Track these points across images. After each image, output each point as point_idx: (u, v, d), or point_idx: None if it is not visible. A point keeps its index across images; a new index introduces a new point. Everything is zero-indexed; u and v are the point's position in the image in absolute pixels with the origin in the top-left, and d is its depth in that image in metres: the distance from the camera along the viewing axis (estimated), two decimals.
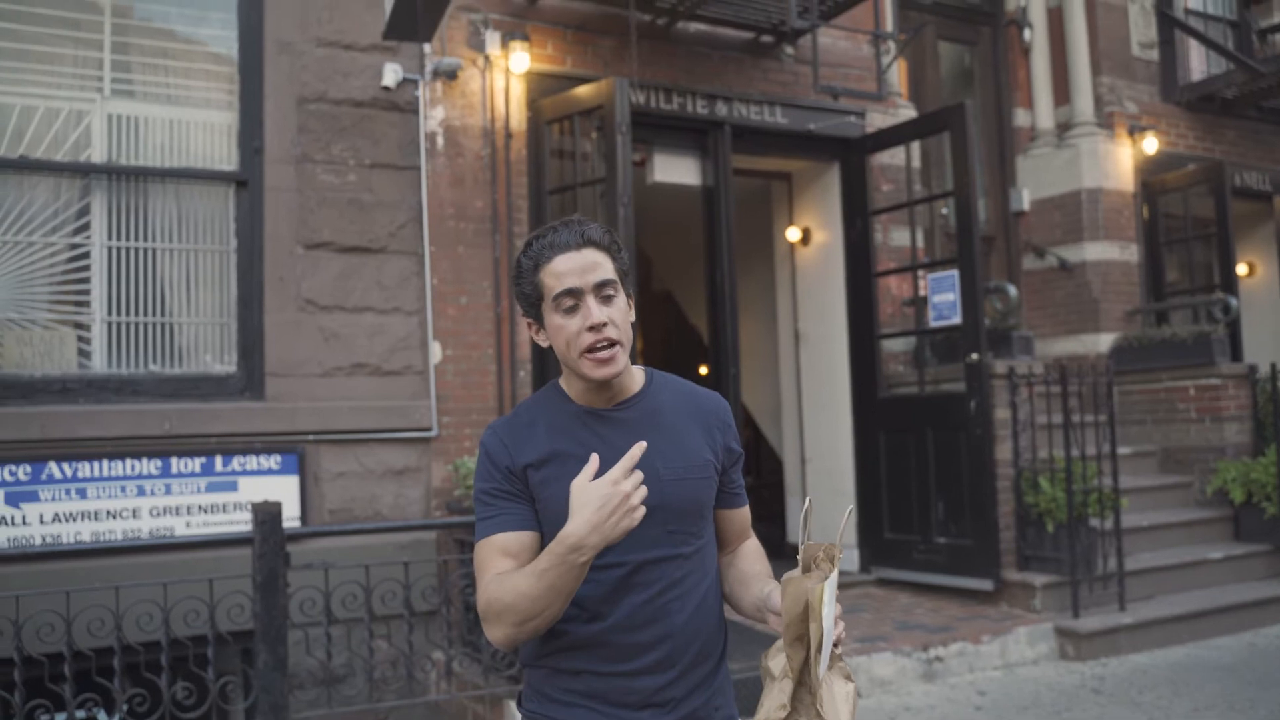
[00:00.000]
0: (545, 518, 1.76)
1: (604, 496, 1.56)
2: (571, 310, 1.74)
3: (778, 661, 1.68)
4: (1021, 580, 6.07)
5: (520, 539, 1.74)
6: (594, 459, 1.61)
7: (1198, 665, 5.56)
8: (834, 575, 1.62)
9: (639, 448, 1.60)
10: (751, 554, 1.93)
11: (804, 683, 1.65)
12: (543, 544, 1.77)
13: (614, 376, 1.76)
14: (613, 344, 1.74)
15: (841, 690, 1.67)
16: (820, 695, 1.64)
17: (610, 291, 1.76)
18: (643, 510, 1.58)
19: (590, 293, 1.74)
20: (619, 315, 1.76)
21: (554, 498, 1.74)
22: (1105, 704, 4.93)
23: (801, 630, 1.61)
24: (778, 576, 1.75)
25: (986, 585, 6.15)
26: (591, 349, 1.73)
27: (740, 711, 1.93)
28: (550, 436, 1.79)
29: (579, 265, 1.74)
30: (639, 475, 1.59)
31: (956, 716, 4.80)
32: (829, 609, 1.60)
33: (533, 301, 1.79)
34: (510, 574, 1.68)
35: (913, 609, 6.20)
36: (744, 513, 1.95)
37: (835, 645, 1.68)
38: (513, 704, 4.47)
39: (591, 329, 1.72)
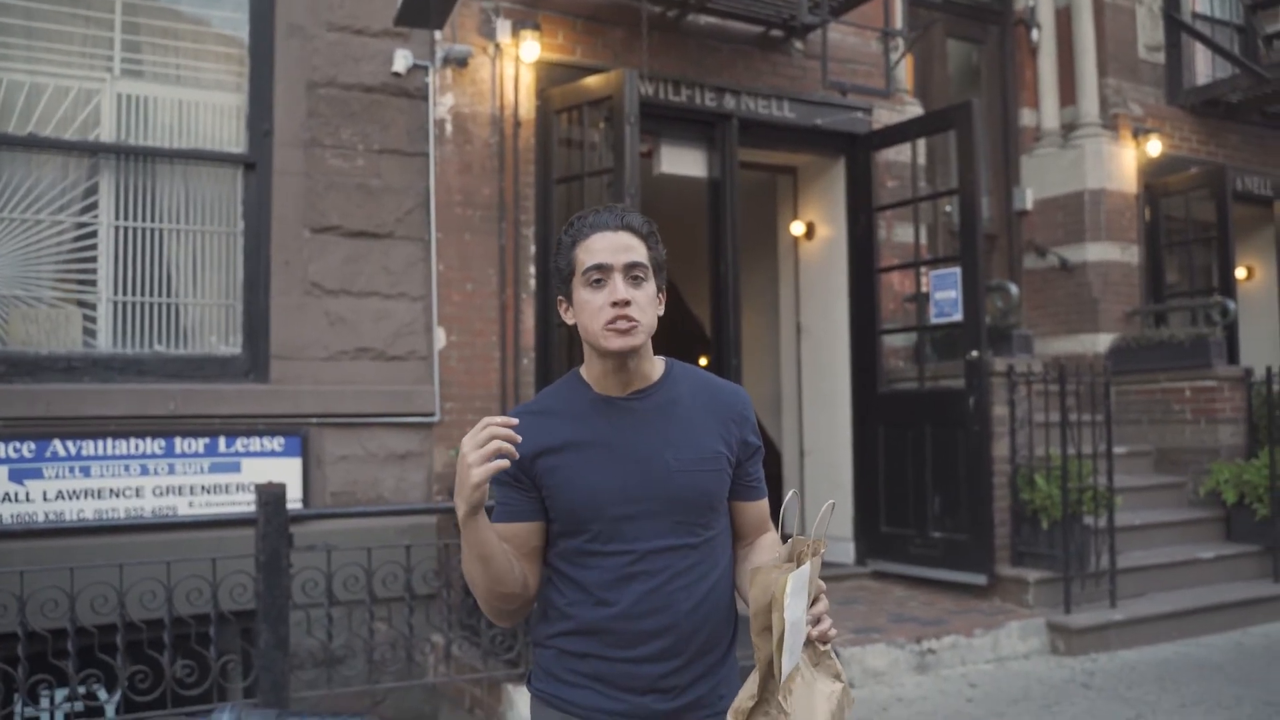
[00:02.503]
0: (553, 504, 1.80)
1: (461, 453, 1.62)
2: (598, 284, 1.77)
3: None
4: (1015, 575, 6.12)
5: (514, 529, 1.80)
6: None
7: (1186, 662, 5.62)
8: (805, 569, 1.61)
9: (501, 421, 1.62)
10: (767, 546, 1.94)
11: (773, 674, 1.65)
12: (549, 530, 1.83)
13: (631, 349, 1.77)
14: (632, 320, 1.76)
15: (825, 689, 1.66)
16: (787, 689, 1.63)
17: (640, 274, 1.79)
18: (482, 469, 1.59)
19: (619, 271, 1.77)
20: (644, 299, 1.78)
21: (562, 484, 1.78)
22: (1094, 699, 4.99)
23: (768, 621, 1.61)
24: None
25: (980, 580, 6.20)
26: (612, 320, 1.75)
27: None
28: (565, 424, 1.82)
29: (613, 245, 1.78)
30: (486, 434, 1.60)
31: (948, 708, 4.85)
32: (794, 600, 1.59)
33: (565, 277, 1.82)
34: None
35: (907, 602, 6.25)
36: (761, 505, 1.96)
37: (824, 643, 1.68)
38: (510, 687, 4.52)
39: (615, 304, 1.75)
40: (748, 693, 1.65)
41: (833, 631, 1.71)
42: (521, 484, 1.80)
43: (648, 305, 1.79)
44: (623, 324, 1.75)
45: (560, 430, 1.81)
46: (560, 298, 1.86)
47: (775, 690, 1.63)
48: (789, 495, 1.74)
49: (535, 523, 1.82)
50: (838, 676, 1.70)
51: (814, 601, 1.68)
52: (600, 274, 1.77)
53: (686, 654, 1.78)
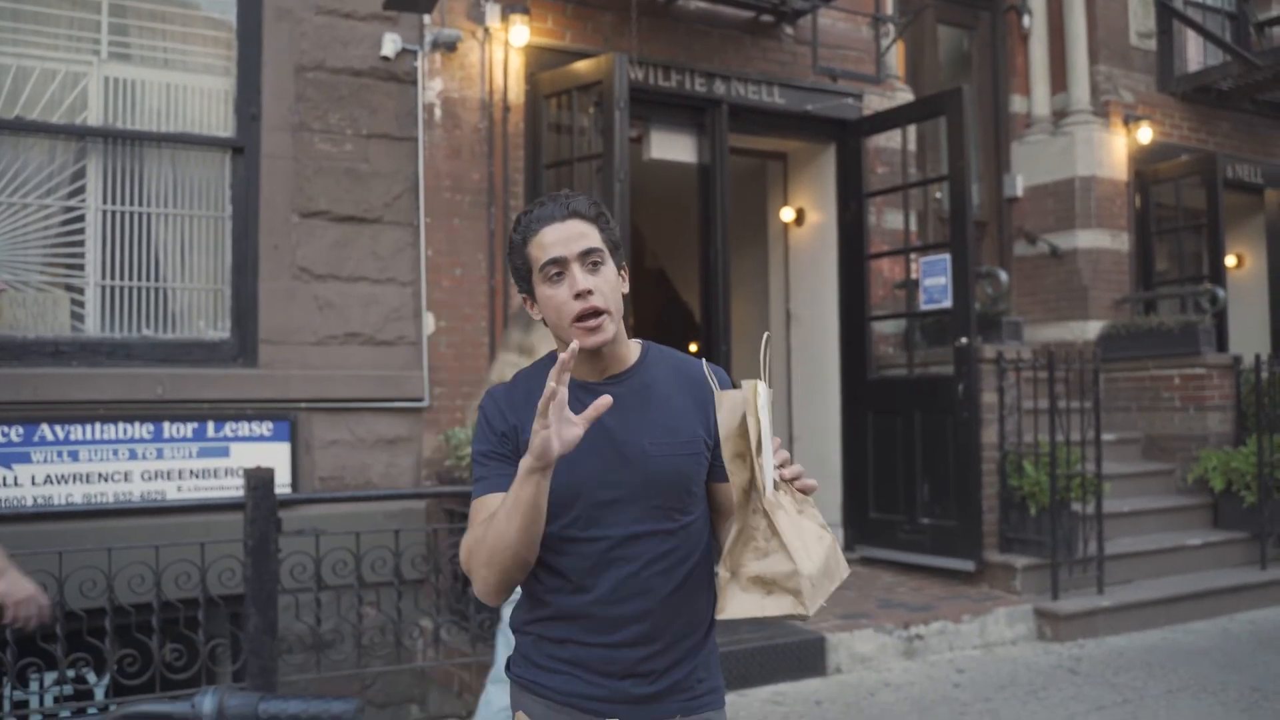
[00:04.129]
0: None
1: (541, 405, 1.59)
2: (558, 279, 1.77)
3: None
4: (1003, 562, 6.15)
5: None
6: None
7: (1173, 648, 5.66)
8: (760, 384, 1.59)
9: (604, 400, 1.61)
10: None
11: (753, 507, 1.61)
12: None
13: (603, 344, 1.77)
14: (599, 312, 1.75)
15: (814, 530, 1.64)
16: (773, 515, 1.59)
17: (597, 259, 1.78)
18: (574, 430, 1.60)
19: (575, 260, 1.76)
20: (606, 285, 1.77)
21: None
22: (1081, 684, 5.02)
23: (740, 446, 1.59)
24: None
25: (968, 566, 6.23)
26: (580, 317, 1.75)
27: (727, 683, 1.97)
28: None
29: (564, 235, 1.77)
30: (556, 386, 1.58)
31: (935, 693, 4.88)
32: (764, 415, 1.57)
33: (524, 275, 1.82)
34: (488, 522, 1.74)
35: (895, 588, 6.28)
36: None
37: (804, 490, 1.64)
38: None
39: (578, 296, 1.75)
40: (730, 535, 1.63)
41: (812, 482, 1.68)
42: (514, 458, 1.77)
43: (611, 290, 1.78)
44: (592, 320, 1.75)
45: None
46: (524, 296, 1.86)
47: (762, 514, 1.60)
48: (765, 337, 1.77)
49: None
50: (824, 528, 1.67)
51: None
52: (557, 267, 1.76)
53: (665, 639, 1.79)
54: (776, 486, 1.63)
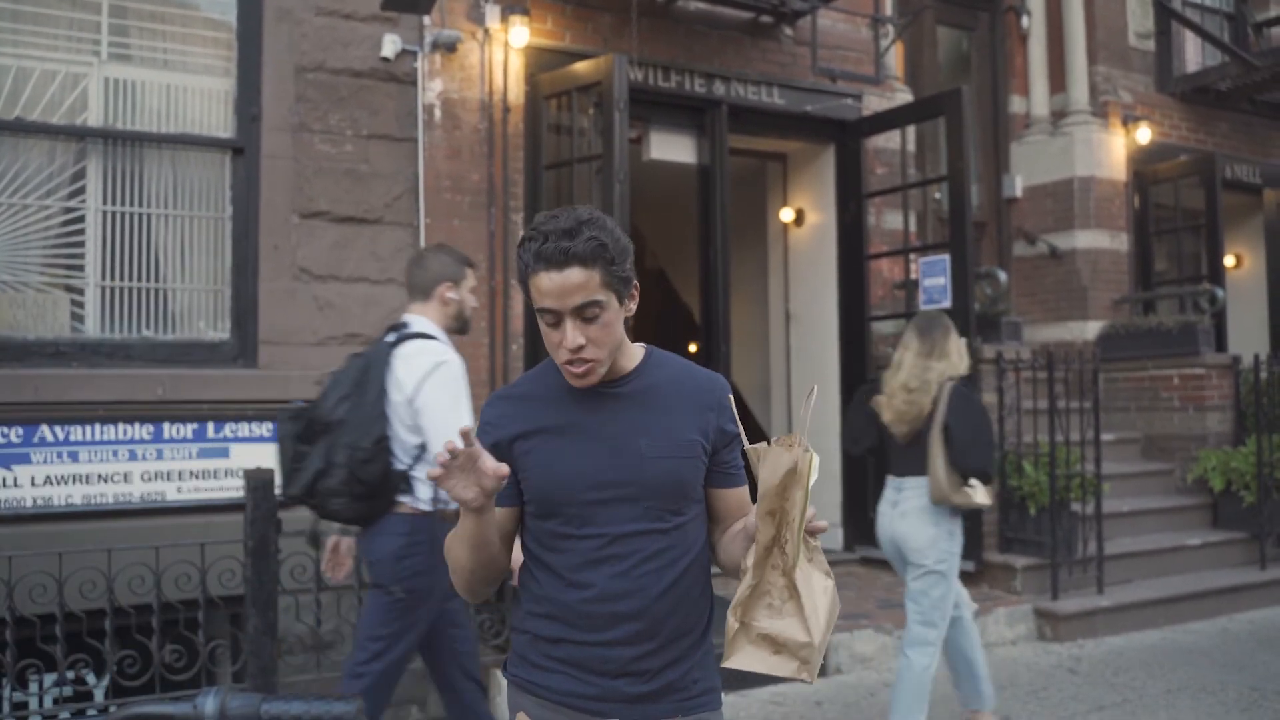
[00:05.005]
0: (528, 488, 1.83)
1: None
2: (553, 325, 1.75)
3: (749, 553, 1.67)
4: (1003, 562, 6.16)
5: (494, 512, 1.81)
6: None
7: (1172, 648, 5.66)
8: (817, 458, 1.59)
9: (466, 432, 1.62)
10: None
11: (774, 563, 1.62)
12: (523, 513, 1.86)
13: (588, 385, 1.80)
14: (587, 361, 1.76)
15: (820, 583, 1.65)
16: (794, 576, 1.61)
17: (593, 312, 1.73)
18: (471, 492, 1.65)
19: (569, 315, 1.73)
20: (600, 333, 1.74)
21: (536, 468, 1.81)
22: (1081, 684, 5.02)
23: (775, 505, 1.59)
24: None
25: (968, 566, 6.19)
26: (569, 362, 1.77)
27: (726, 684, 1.97)
28: (542, 410, 1.84)
29: (558, 287, 1.70)
30: (472, 451, 1.63)
31: (934, 693, 4.85)
32: (814, 480, 1.58)
33: (527, 292, 1.80)
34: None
35: (895, 588, 6.26)
36: (740, 492, 1.93)
37: (812, 536, 1.65)
38: (498, 672, 4.54)
39: (570, 349, 1.75)
40: (745, 582, 1.64)
41: (823, 524, 1.66)
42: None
43: (604, 336, 1.76)
44: (579, 368, 1.76)
45: (536, 415, 1.84)
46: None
47: (783, 573, 1.61)
48: (811, 390, 1.73)
49: (515, 508, 1.86)
50: (827, 574, 1.68)
51: None
52: (552, 316, 1.74)
53: (659, 638, 1.79)
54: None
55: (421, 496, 3.20)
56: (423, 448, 3.17)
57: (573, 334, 1.73)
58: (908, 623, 4.09)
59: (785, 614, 1.62)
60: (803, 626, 1.61)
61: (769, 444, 1.61)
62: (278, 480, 3.60)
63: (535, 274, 1.72)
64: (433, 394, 3.16)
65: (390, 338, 3.32)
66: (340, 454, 3.15)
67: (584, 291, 1.71)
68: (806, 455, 1.57)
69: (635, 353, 1.90)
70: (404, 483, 3.20)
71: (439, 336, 3.39)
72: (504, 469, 1.65)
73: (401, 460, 3.21)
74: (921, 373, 4.00)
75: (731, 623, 1.66)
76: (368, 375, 3.22)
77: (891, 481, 4.16)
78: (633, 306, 1.82)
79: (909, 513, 4.01)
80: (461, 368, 3.28)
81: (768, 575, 1.63)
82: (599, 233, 1.71)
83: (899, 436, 4.07)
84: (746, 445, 1.68)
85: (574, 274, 1.70)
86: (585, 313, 1.72)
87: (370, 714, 3.21)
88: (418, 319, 3.39)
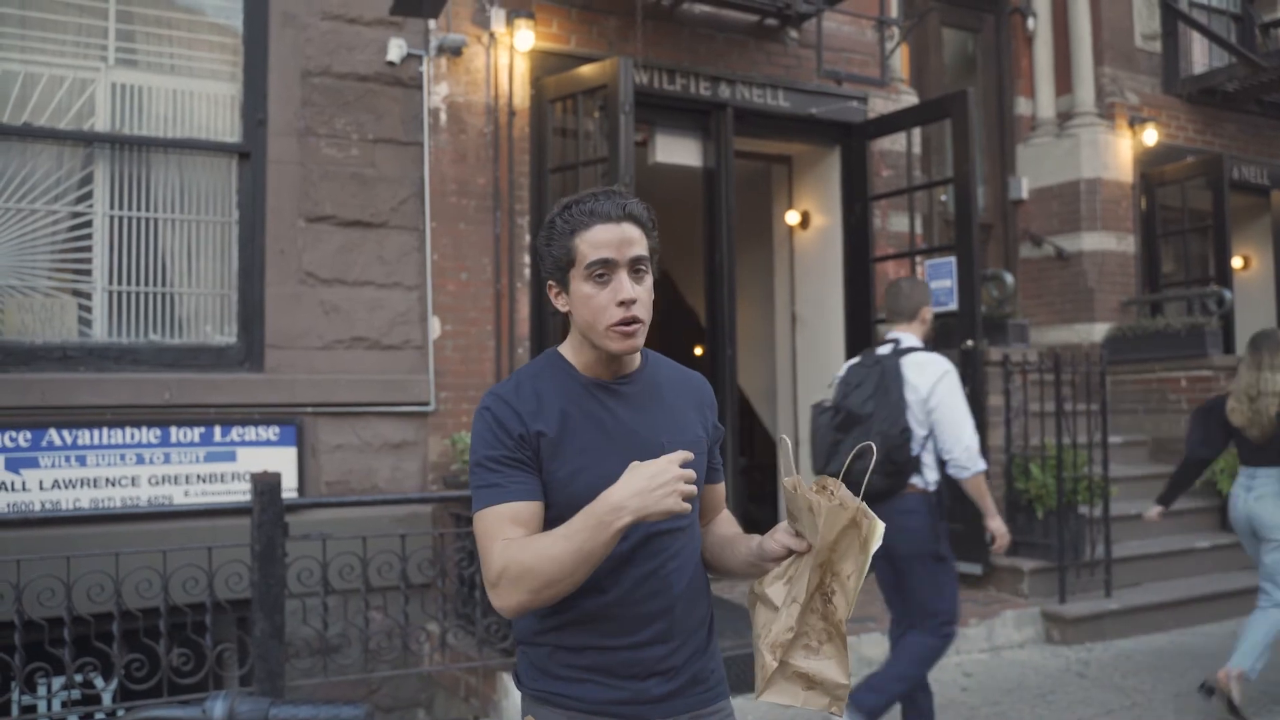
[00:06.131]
0: (552, 489, 1.74)
1: (658, 469, 1.59)
2: (601, 280, 1.72)
3: (776, 590, 1.72)
4: (1010, 565, 6.14)
5: (531, 509, 1.71)
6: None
7: (1181, 651, 5.64)
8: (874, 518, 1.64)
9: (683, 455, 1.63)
10: (726, 520, 2.00)
11: (813, 608, 1.68)
12: (545, 517, 1.74)
13: (635, 350, 1.77)
14: (638, 320, 1.74)
15: (843, 610, 1.71)
16: (835, 620, 1.67)
17: (642, 269, 1.75)
18: (686, 504, 1.60)
19: (625, 267, 1.72)
20: (646, 294, 1.75)
21: (562, 469, 1.73)
22: (1089, 688, 5.01)
23: (827, 556, 1.65)
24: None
25: (975, 569, 6.21)
26: (620, 323, 1.72)
27: (733, 688, 1.98)
28: (560, 407, 1.77)
29: (617, 238, 1.72)
30: (692, 474, 1.62)
31: (943, 697, 4.86)
32: (876, 547, 1.62)
33: (561, 265, 1.76)
34: (532, 538, 1.66)
35: None
36: (720, 488, 2.01)
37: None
38: (505, 676, 4.53)
39: (621, 304, 1.71)
40: (784, 625, 1.69)
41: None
42: (534, 463, 1.75)
43: (648, 300, 1.76)
44: (630, 326, 1.73)
45: (555, 414, 1.76)
46: (552, 284, 1.80)
47: (822, 617, 1.68)
48: (784, 441, 1.77)
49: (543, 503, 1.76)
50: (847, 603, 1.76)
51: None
52: (605, 269, 1.72)
53: (681, 635, 1.79)
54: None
55: (929, 479, 3.93)
56: (927, 438, 3.90)
57: (629, 285, 1.72)
58: (1260, 589, 4.86)
59: (823, 655, 1.69)
60: (842, 669, 1.69)
61: (824, 501, 1.64)
62: (803, 462, 4.02)
63: (587, 229, 1.72)
64: (944, 395, 3.89)
65: (886, 350, 4.08)
66: (874, 440, 3.67)
67: (638, 246, 1.74)
68: (869, 522, 1.61)
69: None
70: (916, 465, 3.90)
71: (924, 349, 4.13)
72: (692, 474, 1.63)
73: (913, 448, 3.90)
74: (1257, 382, 4.69)
75: (769, 661, 1.71)
76: (885, 379, 3.94)
77: (1244, 471, 4.83)
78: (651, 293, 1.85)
79: (1263, 496, 4.72)
80: (957, 373, 4.02)
81: (808, 620, 1.69)
82: (644, 204, 1.79)
83: (1252, 439, 4.74)
84: (783, 480, 1.72)
85: (630, 228, 1.74)
86: (637, 266, 1.74)
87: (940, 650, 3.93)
88: (906, 335, 4.12)
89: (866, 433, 3.87)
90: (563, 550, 1.60)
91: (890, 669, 3.96)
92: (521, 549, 1.64)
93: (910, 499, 3.90)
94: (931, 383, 3.90)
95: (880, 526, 1.62)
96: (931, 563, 3.93)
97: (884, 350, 4.09)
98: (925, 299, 4.20)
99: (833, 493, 1.64)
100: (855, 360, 4.23)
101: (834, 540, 1.63)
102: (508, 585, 1.64)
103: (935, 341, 6.87)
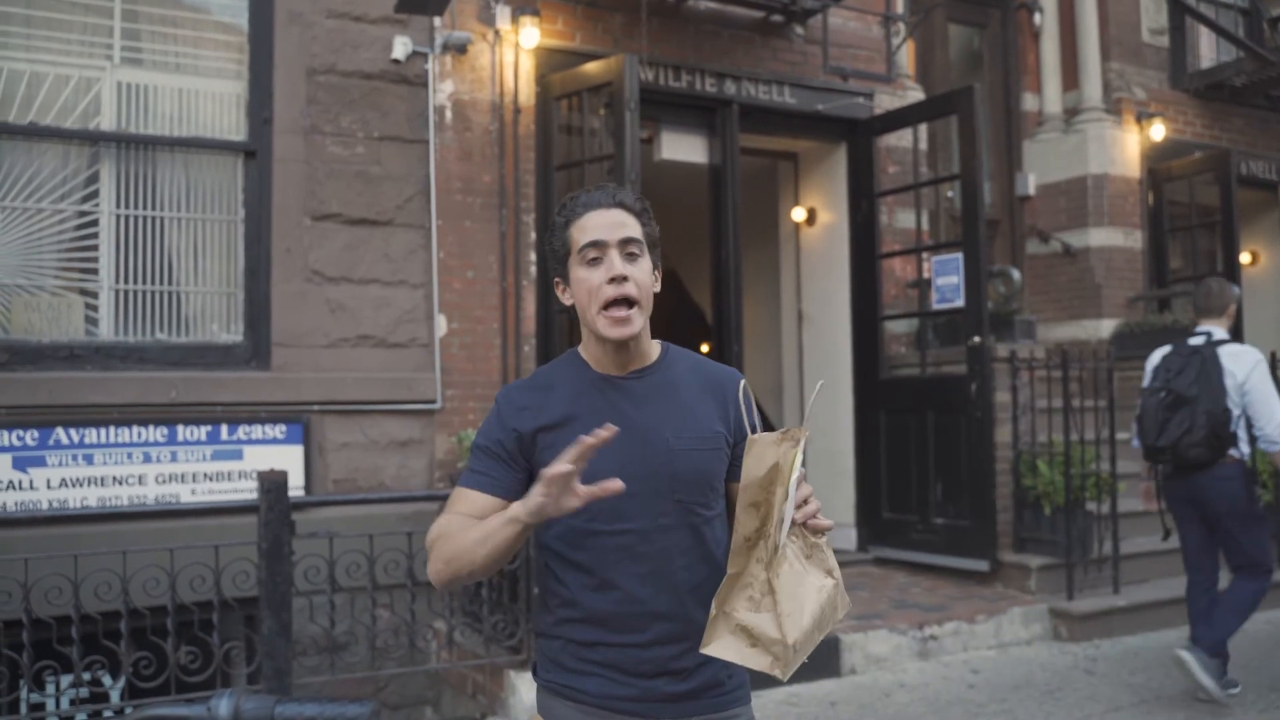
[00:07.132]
0: None
1: (548, 476, 1.56)
2: (595, 262, 1.78)
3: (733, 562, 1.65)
4: (1017, 562, 6.13)
5: (484, 500, 1.78)
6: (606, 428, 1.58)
7: None
8: (800, 447, 1.58)
9: (608, 430, 1.57)
10: None
11: (759, 556, 1.60)
12: None
13: (629, 338, 1.78)
14: (631, 304, 1.76)
15: (816, 582, 1.63)
16: (775, 570, 1.58)
17: (635, 250, 1.80)
18: (574, 501, 1.57)
19: (614, 246, 1.78)
20: (641, 276, 1.79)
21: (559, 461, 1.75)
22: (1097, 684, 4.99)
23: (759, 496, 1.58)
24: None
25: (983, 566, 6.20)
26: (612, 303, 1.75)
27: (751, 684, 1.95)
28: (566, 401, 1.82)
29: (607, 221, 1.80)
30: (567, 468, 1.55)
31: (950, 694, 4.86)
32: (793, 479, 1.57)
33: (561, 258, 1.84)
34: (465, 522, 1.73)
35: (909, 588, 6.26)
36: None
37: (818, 535, 1.64)
38: (512, 673, 4.54)
39: (612, 281, 1.76)
40: (727, 574, 1.63)
41: (826, 522, 1.66)
42: (513, 461, 1.81)
43: (645, 282, 1.80)
44: (620, 310, 1.75)
45: (560, 407, 1.81)
46: (557, 279, 1.88)
47: (765, 567, 1.60)
48: (819, 386, 1.78)
49: (507, 500, 1.76)
50: (830, 573, 1.67)
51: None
52: (596, 251, 1.78)
53: (694, 636, 1.76)
54: (790, 532, 1.62)
55: (1243, 450, 4.66)
56: (1239, 416, 4.61)
57: (620, 263, 1.77)
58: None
59: (763, 609, 1.61)
60: (776, 624, 1.59)
61: (767, 434, 1.60)
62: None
63: (580, 216, 1.82)
64: (1258, 380, 4.62)
65: (1200, 341, 4.78)
66: (1201, 418, 4.58)
67: (628, 228, 1.81)
68: (792, 453, 1.56)
69: (655, 346, 1.91)
70: (1234, 440, 4.63)
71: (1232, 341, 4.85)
72: (593, 493, 1.58)
73: (1231, 424, 4.60)
74: None
75: (712, 609, 1.64)
76: (1206, 366, 4.64)
77: None
78: (657, 284, 1.87)
79: None
80: (1267, 363, 4.76)
81: (751, 567, 1.62)
82: (636, 195, 1.88)
83: None
84: (749, 436, 1.65)
85: (620, 213, 1.82)
86: (629, 248, 1.80)
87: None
88: (1216, 329, 4.84)
89: (1193, 412, 4.59)
90: (473, 539, 1.69)
91: (1228, 606, 4.76)
92: (449, 524, 1.75)
93: (1229, 467, 4.64)
94: (1248, 370, 4.62)
95: (798, 454, 1.56)
96: (1249, 519, 4.71)
97: (1198, 341, 4.78)
98: (1232, 297, 4.93)
99: (785, 439, 1.59)
100: (1167, 350, 4.89)
101: (764, 479, 1.57)
102: (432, 552, 1.76)
103: (946, 337, 6.95)
